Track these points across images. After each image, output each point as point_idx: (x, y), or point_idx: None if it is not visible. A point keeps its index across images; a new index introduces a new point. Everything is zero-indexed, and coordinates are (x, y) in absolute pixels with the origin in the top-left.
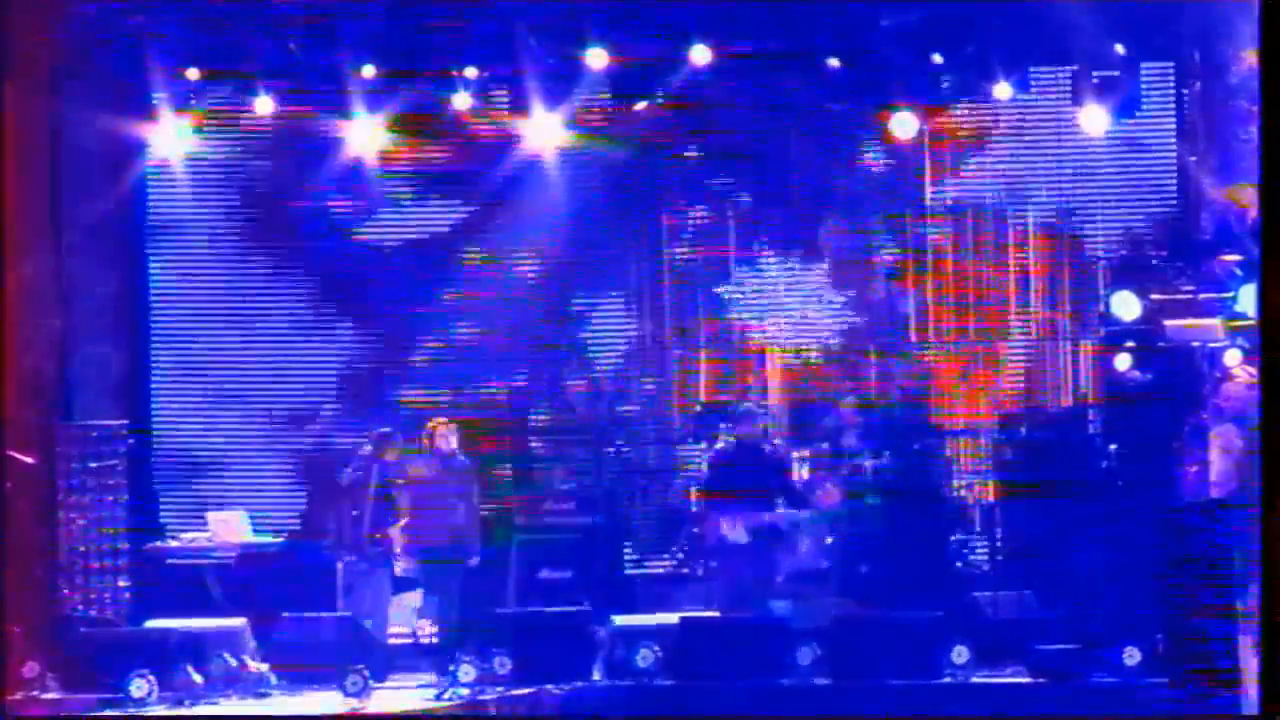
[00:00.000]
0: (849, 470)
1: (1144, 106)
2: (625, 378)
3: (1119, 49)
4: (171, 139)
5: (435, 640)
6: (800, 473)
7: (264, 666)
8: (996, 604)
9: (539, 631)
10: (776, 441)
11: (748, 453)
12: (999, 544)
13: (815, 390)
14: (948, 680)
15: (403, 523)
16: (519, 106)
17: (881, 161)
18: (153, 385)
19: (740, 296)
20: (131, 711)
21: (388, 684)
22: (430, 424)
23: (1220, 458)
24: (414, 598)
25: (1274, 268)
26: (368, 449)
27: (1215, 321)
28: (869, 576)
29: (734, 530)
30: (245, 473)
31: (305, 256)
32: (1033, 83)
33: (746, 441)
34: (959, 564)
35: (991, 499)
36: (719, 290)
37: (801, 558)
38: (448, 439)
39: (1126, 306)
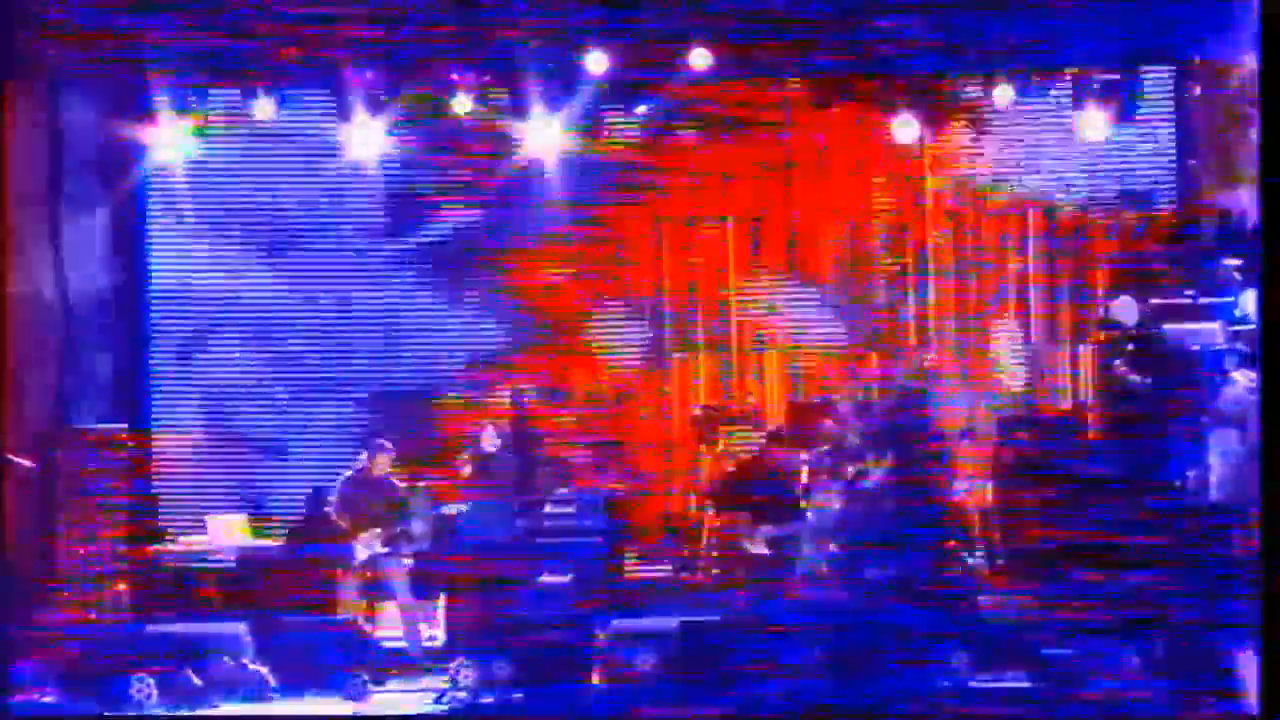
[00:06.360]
0: (850, 473)
1: (1143, 110)
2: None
3: (1118, 52)
4: (172, 142)
5: (435, 644)
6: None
7: (263, 669)
8: (996, 608)
9: (538, 635)
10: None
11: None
12: (998, 547)
13: (816, 393)
14: (947, 684)
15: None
16: (519, 110)
17: (881, 164)
18: (153, 389)
19: (741, 299)
20: (131, 714)
21: (387, 688)
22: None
23: (1219, 462)
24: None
25: (1274, 272)
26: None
27: (1215, 325)
28: (869, 579)
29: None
30: (245, 476)
31: (307, 260)
32: (1032, 86)
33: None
34: (958, 568)
35: (991, 502)
36: (719, 294)
37: (801, 561)
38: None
39: (1127, 311)
